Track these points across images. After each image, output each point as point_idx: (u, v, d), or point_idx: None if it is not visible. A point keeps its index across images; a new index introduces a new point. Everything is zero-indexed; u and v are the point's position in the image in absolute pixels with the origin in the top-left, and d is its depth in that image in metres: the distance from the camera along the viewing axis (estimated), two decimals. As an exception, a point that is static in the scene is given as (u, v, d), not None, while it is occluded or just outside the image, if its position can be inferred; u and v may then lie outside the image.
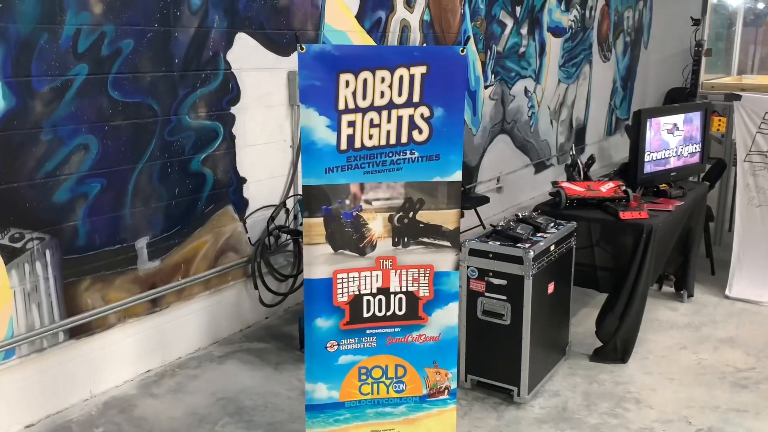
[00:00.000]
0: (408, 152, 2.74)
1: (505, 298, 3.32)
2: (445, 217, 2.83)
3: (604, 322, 3.83)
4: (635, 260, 3.64)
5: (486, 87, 6.55)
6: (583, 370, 3.72)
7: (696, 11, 6.16)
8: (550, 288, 3.49)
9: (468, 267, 3.38)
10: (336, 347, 2.79)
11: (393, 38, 5.18)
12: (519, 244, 3.31)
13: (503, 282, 3.31)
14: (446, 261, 2.86)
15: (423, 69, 2.66)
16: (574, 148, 4.31)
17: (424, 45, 5.52)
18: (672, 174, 4.34)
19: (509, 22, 6.78)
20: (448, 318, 2.92)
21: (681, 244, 4.51)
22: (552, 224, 3.59)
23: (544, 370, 3.56)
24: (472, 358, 3.49)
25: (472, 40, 6.19)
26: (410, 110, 2.69)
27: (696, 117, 4.44)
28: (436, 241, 2.84)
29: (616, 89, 9.80)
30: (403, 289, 2.86)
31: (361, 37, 4.84)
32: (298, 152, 4.40)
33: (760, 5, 5.98)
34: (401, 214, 2.78)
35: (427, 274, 2.86)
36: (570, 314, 3.82)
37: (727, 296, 4.75)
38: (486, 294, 3.36)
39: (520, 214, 3.65)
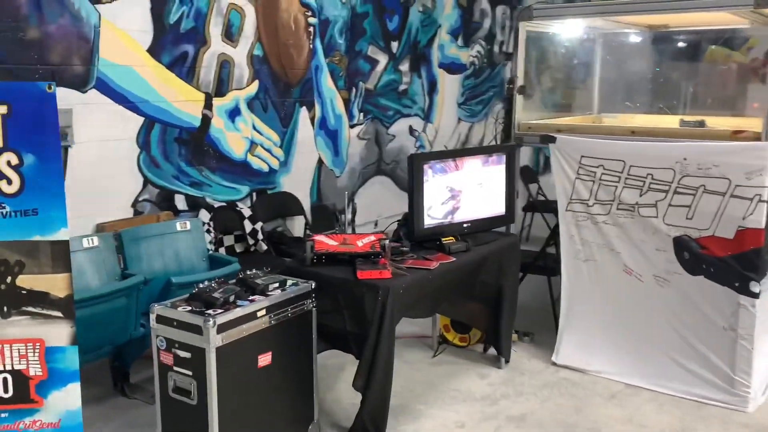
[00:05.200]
0: (-3, 206, 2.32)
1: (190, 373, 2.84)
2: (53, 283, 2.39)
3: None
4: (373, 325, 3.15)
5: (352, 126, 6.13)
6: (321, 455, 3.22)
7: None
8: (264, 360, 3.01)
9: (157, 336, 2.91)
10: None
11: (207, 74, 4.79)
12: (210, 310, 2.84)
13: (188, 355, 2.83)
14: (59, 334, 2.41)
15: (3, 109, 2.25)
16: (347, 195, 3.86)
17: (257, 82, 5.13)
18: (465, 226, 3.85)
19: (382, 58, 6.38)
20: (68, 401, 2.47)
21: (492, 302, 4.03)
22: (276, 284, 3.11)
23: (260, 456, 3.06)
24: (169, 442, 3.00)
25: (328, 75, 5.79)
26: (-7, 156, 2.28)
27: (497, 162, 3.97)
28: (44, 311, 2.39)
29: (543, 128, 9.35)
30: (8, 368, 2.41)
31: (156, 73, 4.45)
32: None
33: (636, 39, 5.50)
34: (-4, 279, 2.34)
35: (37, 350, 2.41)
36: (316, 385, 3.32)
37: (554, 363, 4.22)
38: (175, 368, 2.89)
39: (243, 272, 3.19)
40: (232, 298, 2.93)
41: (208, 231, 4.77)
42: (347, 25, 5.91)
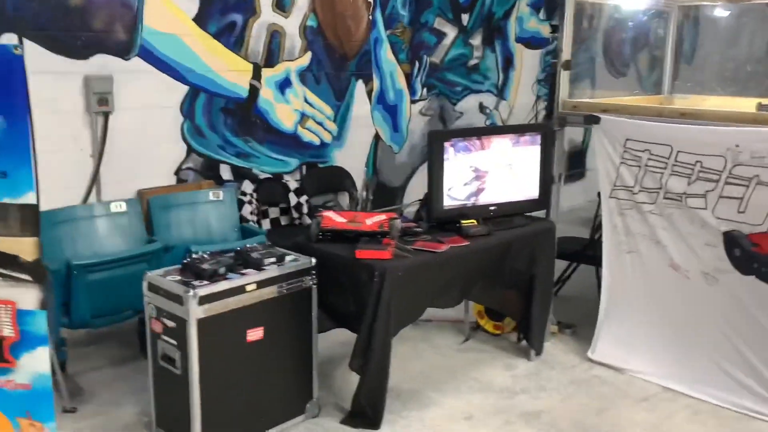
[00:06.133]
0: (-29, 167, 2.38)
1: (176, 343, 2.85)
2: (21, 247, 2.43)
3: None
4: (369, 306, 3.03)
5: (414, 101, 5.96)
6: (315, 436, 3.15)
7: None
8: (254, 335, 2.97)
9: (148, 303, 2.94)
10: None
11: (256, 44, 4.78)
12: (197, 282, 2.83)
13: (174, 324, 2.84)
14: (29, 298, 2.47)
15: (-26, 71, 2.29)
16: (365, 172, 3.72)
17: (310, 53, 5.08)
18: (491, 209, 3.62)
19: (450, 31, 6.15)
20: (38, 364, 2.52)
21: (525, 290, 3.79)
22: (273, 259, 3.05)
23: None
24: (160, 409, 3.04)
25: (388, 48, 5.64)
26: (-33, 119, 2.33)
27: (530, 142, 3.69)
28: (15, 274, 2.45)
29: (638, 108, 8.74)
30: (-16, 326, 2.49)
31: (202, 42, 4.49)
32: (99, 161, 4.13)
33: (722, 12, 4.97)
34: (-29, 238, 2.42)
35: (9, 312, 2.48)
36: (315, 363, 3.25)
37: (590, 358, 3.93)
38: (163, 336, 2.91)
39: (242, 246, 3.15)
40: (222, 270, 2.90)
41: (250, 202, 4.79)
42: (411, -4, 5.72)
